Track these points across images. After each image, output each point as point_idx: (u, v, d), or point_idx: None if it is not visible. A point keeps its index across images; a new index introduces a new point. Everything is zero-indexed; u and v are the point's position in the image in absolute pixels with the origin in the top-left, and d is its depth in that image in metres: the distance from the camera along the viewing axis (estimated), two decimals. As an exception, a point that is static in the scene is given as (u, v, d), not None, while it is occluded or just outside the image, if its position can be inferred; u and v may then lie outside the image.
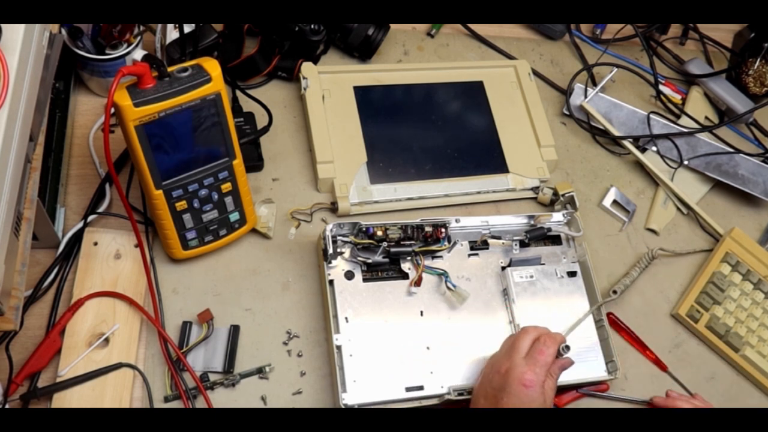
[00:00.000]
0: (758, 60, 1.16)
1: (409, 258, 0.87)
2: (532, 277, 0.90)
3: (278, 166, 0.94)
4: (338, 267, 0.85)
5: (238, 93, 0.96)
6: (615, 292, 0.93)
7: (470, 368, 0.83)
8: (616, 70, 1.10)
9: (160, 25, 0.90)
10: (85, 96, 0.93)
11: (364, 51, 1.04)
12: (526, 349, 0.76)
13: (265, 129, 0.93)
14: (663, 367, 0.93)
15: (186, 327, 0.80)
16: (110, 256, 0.82)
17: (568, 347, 0.78)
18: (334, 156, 0.93)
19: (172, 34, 0.89)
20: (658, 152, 1.08)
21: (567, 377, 0.84)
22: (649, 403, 0.89)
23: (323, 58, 1.04)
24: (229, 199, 0.81)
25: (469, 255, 0.91)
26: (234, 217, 0.83)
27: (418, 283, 0.86)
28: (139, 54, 0.87)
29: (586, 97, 1.08)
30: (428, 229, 0.86)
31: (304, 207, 0.92)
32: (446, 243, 0.89)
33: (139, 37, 0.88)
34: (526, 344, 0.76)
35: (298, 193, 0.93)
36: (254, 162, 0.92)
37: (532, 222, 0.93)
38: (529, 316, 0.87)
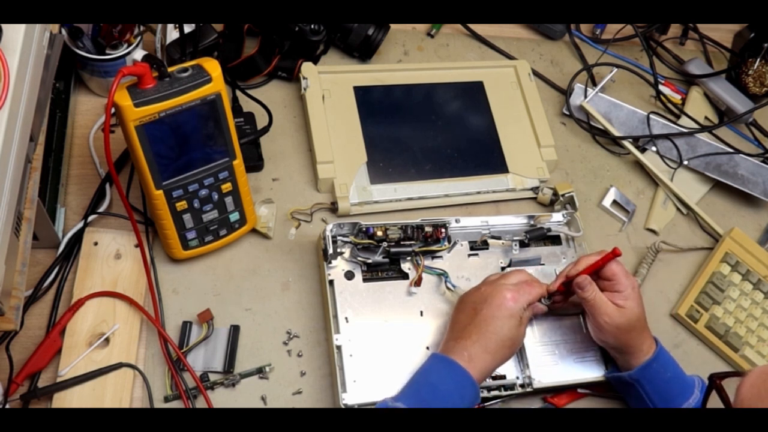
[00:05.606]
0: (758, 60, 1.16)
1: (409, 258, 0.87)
2: (532, 277, 0.90)
3: (278, 166, 0.94)
4: (338, 267, 0.85)
5: (238, 93, 0.96)
6: None
7: (470, 368, 0.83)
8: (616, 70, 1.09)
9: (160, 25, 0.90)
10: (85, 96, 0.93)
11: (364, 51, 1.04)
12: (515, 282, 0.80)
13: (265, 129, 0.93)
14: (663, 367, 0.93)
15: (186, 327, 0.80)
16: (110, 256, 0.82)
17: (549, 298, 0.82)
18: (334, 156, 0.93)
19: (172, 34, 0.89)
20: (657, 152, 1.08)
21: (567, 377, 0.84)
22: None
23: (323, 58, 1.04)
24: (229, 199, 0.81)
25: (469, 255, 0.91)
26: (234, 217, 0.83)
27: (418, 283, 0.86)
28: (139, 54, 0.87)
29: (586, 97, 1.08)
30: (428, 229, 0.86)
31: (304, 207, 0.92)
32: (446, 243, 0.89)
33: (139, 37, 0.88)
34: (515, 279, 0.81)
35: (298, 193, 0.93)
36: (254, 162, 0.92)
37: (531, 222, 0.93)
38: (529, 316, 0.87)
